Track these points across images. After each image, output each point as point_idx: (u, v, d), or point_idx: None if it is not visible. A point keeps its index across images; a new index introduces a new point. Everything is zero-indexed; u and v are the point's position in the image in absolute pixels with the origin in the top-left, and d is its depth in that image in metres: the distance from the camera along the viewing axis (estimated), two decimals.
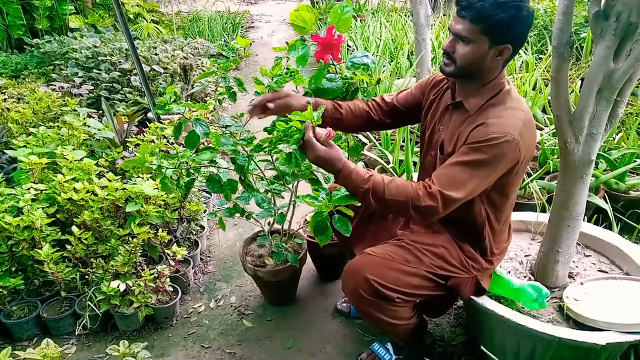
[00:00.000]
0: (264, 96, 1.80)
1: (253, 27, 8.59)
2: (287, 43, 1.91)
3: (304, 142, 1.54)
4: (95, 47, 4.52)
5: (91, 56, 4.33)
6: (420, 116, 1.87)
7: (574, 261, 1.99)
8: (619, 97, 1.63)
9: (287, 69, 1.88)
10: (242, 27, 7.57)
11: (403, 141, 3.27)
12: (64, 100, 3.30)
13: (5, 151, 2.69)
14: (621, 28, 1.49)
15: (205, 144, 2.13)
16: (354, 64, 1.81)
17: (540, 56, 4.92)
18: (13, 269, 2.17)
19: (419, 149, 3.22)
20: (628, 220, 2.53)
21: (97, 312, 2.10)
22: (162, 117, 3.24)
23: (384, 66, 4.76)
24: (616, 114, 1.67)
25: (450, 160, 1.55)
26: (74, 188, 2.23)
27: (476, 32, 1.47)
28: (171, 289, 2.27)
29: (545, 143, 3.06)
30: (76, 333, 2.15)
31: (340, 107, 1.87)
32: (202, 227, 2.80)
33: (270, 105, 1.78)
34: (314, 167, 2.01)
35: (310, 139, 1.51)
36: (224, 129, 1.95)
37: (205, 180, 1.97)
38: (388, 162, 3.21)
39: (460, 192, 1.50)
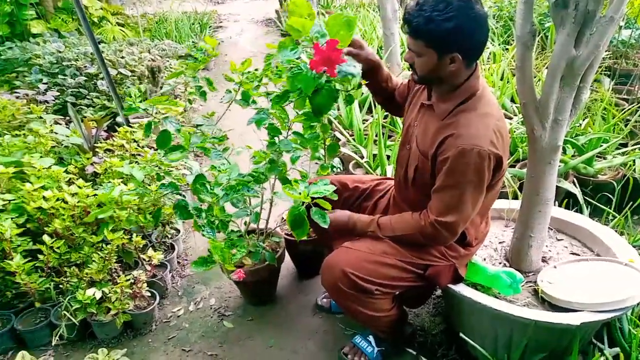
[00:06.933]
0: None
1: (221, 26, 8.52)
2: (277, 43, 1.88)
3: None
4: (59, 52, 4.41)
5: (55, 62, 4.22)
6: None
7: (546, 245, 2.03)
8: (581, 83, 1.67)
9: (277, 67, 1.86)
10: (210, 27, 7.49)
11: (376, 136, 3.29)
12: (28, 108, 3.22)
13: None
14: (580, 15, 1.53)
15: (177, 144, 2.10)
16: (341, 73, 1.73)
17: (507, 47, 5.00)
18: None
19: (391, 143, 3.28)
20: (597, 204, 2.60)
21: (74, 321, 2.06)
22: (131, 120, 3.19)
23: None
24: (580, 99, 1.71)
25: (435, 186, 1.62)
26: (44, 196, 2.18)
27: (421, 46, 1.52)
28: (149, 294, 2.24)
29: (514, 132, 3.12)
30: (53, 344, 2.10)
31: (391, 79, 1.97)
32: (178, 230, 2.77)
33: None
34: (289, 166, 2.02)
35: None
36: (195, 128, 1.93)
37: (172, 208, 1.96)
38: (362, 157, 3.23)
39: (456, 215, 1.59)
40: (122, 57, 4.40)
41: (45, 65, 4.18)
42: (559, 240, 2.11)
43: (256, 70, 1.94)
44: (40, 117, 3.07)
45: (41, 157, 2.50)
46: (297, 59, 1.67)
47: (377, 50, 5.00)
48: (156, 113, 1.82)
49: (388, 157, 3.14)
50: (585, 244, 2.07)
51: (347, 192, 2.04)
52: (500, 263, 2.00)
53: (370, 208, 2.03)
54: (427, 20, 1.45)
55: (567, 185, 2.66)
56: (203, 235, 1.88)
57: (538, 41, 4.69)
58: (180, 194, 2.04)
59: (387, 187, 2.04)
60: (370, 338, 2.00)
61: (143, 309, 2.20)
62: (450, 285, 1.79)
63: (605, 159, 2.98)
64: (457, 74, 1.56)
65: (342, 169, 3.29)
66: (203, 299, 2.45)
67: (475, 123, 1.54)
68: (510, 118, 3.45)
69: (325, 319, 2.27)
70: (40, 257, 2.12)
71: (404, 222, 1.72)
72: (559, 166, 1.84)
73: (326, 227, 1.70)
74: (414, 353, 2.02)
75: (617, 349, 1.78)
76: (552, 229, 2.14)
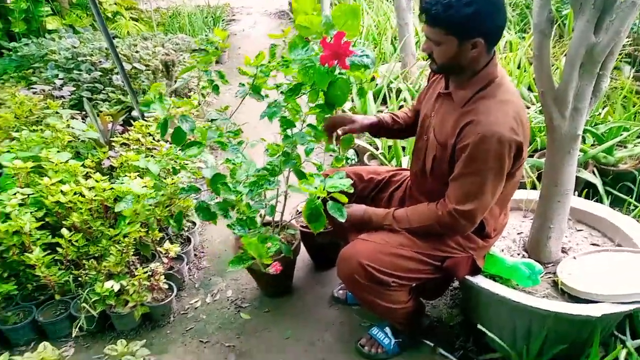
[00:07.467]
0: (328, 123, 1.91)
1: (234, 19, 8.51)
2: (283, 30, 1.89)
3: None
4: (75, 47, 4.44)
5: (71, 57, 4.25)
6: None
7: (566, 236, 2.00)
8: (601, 71, 1.64)
9: (282, 57, 1.86)
10: (223, 20, 7.48)
11: None
12: (45, 103, 3.25)
13: None
14: (600, 1, 1.49)
15: (192, 138, 2.11)
16: (354, 64, 1.72)
17: (524, 35, 4.93)
18: (5, 274, 2.14)
19: None
20: (618, 193, 2.55)
21: (93, 313, 2.09)
22: (146, 114, 3.20)
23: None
24: (600, 87, 1.68)
25: (454, 173, 1.59)
26: (61, 190, 2.20)
27: (441, 34, 1.49)
28: (166, 286, 2.26)
29: (532, 121, 3.07)
30: (73, 335, 2.13)
31: (397, 117, 2.00)
32: (194, 223, 2.79)
33: (339, 131, 1.88)
34: (303, 157, 2.01)
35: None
36: (209, 123, 1.93)
37: (193, 209, 1.97)
38: (377, 149, 3.21)
39: (475, 203, 1.56)
40: (137, 52, 4.41)
41: (61, 61, 4.21)
42: (578, 230, 2.08)
43: (269, 62, 1.93)
44: (57, 112, 3.10)
45: (58, 151, 2.53)
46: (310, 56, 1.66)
47: (392, 40, 4.96)
48: (171, 107, 1.83)
49: (403, 148, 3.12)
50: (606, 234, 2.03)
51: (362, 184, 2.03)
52: (518, 254, 1.97)
53: (386, 199, 2.02)
54: (446, 7, 1.43)
55: (587, 175, 2.62)
56: (234, 233, 1.89)
57: (555, 29, 4.61)
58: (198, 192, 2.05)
59: (403, 179, 2.03)
60: (387, 330, 1.99)
61: (161, 301, 2.22)
62: (468, 277, 1.77)
63: (625, 147, 2.92)
64: (478, 59, 1.54)
65: (356, 160, 3.28)
66: (220, 290, 2.46)
67: (494, 110, 1.51)
68: (528, 107, 3.40)
69: (341, 311, 2.27)
70: (59, 250, 2.15)
71: (420, 213, 1.71)
72: (579, 155, 1.80)
73: (343, 221, 1.69)
74: (431, 345, 2.01)
75: None
76: (571, 220, 2.11)
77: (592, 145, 2.91)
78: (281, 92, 1.96)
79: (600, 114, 3.18)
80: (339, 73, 1.74)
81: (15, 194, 2.19)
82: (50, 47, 4.53)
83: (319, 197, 1.69)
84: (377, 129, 1.99)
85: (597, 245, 1.97)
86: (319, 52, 1.68)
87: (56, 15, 5.66)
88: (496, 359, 1.89)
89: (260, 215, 2.30)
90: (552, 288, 1.79)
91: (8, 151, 2.53)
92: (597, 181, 2.55)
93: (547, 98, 1.69)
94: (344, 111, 3.40)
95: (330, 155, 2.36)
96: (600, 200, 2.46)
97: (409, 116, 2.02)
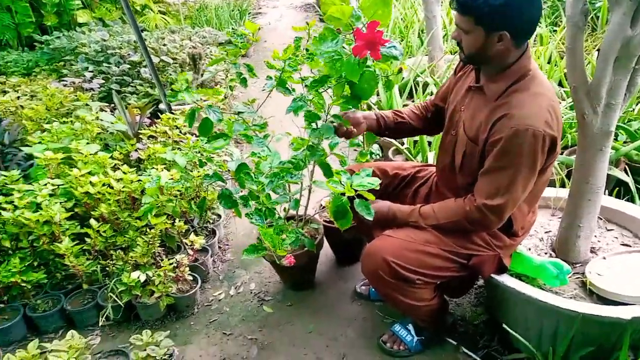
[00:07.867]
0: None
1: (260, 12, 8.54)
2: (307, 23, 1.89)
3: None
4: (104, 40, 4.52)
5: (100, 50, 4.33)
6: None
7: (595, 236, 1.95)
8: (637, 65, 1.59)
9: (306, 49, 1.85)
10: (249, 13, 7.52)
11: None
12: (75, 96, 3.32)
13: (21, 148, 2.72)
14: None
15: (218, 131, 2.12)
16: (383, 55, 1.69)
17: (555, 28, 4.81)
18: (35, 263, 2.20)
19: None
20: None
21: (119, 303, 2.13)
22: (173, 107, 3.24)
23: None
24: (635, 82, 1.63)
25: (485, 167, 1.57)
26: (90, 182, 2.25)
27: (469, 23, 1.47)
28: (191, 278, 2.29)
29: (563, 117, 3.00)
30: (100, 324, 2.18)
31: (401, 112, 1.98)
32: (219, 216, 2.81)
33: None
34: (328, 151, 2.00)
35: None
36: (236, 116, 1.94)
37: (217, 197, 1.98)
38: (402, 143, 3.18)
39: (506, 197, 1.53)
40: (164, 45, 4.46)
41: (90, 54, 4.29)
42: (608, 230, 2.03)
43: (295, 56, 1.93)
44: (87, 105, 3.16)
45: (88, 143, 2.58)
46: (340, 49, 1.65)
47: (419, 33, 4.90)
48: (198, 100, 1.84)
49: (429, 143, 3.09)
50: (637, 234, 1.98)
51: (386, 180, 2.01)
52: (546, 253, 1.94)
53: (411, 196, 2.00)
54: None
55: (618, 173, 2.54)
56: (251, 222, 1.90)
57: (588, 22, 4.49)
58: (223, 181, 2.06)
59: (429, 175, 2.01)
60: (410, 327, 1.98)
61: (185, 293, 2.24)
62: (494, 276, 1.74)
63: None
64: (506, 53, 1.51)
65: (381, 155, 3.26)
66: (243, 283, 2.48)
67: (528, 103, 1.49)
68: (559, 103, 3.31)
69: (364, 306, 2.26)
70: (88, 240, 2.20)
71: (447, 209, 1.68)
72: (610, 153, 1.76)
73: (371, 219, 1.68)
74: (455, 343, 1.99)
75: None
76: (601, 219, 2.05)
77: (624, 142, 2.83)
78: (305, 86, 1.95)
79: (633, 110, 3.08)
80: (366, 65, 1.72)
81: (46, 184, 2.25)
82: (80, 40, 4.62)
83: (343, 194, 1.68)
84: (378, 126, 1.95)
85: (628, 245, 1.91)
86: (349, 43, 1.66)
87: (86, 8, 5.77)
88: (521, 359, 1.86)
89: (284, 209, 2.30)
90: (581, 289, 1.75)
91: (39, 142, 2.59)
92: (628, 180, 2.48)
93: (579, 93, 1.65)
94: (370, 107, 3.39)
95: (355, 150, 2.35)
96: (631, 200, 2.39)
97: (416, 113, 1.99)
